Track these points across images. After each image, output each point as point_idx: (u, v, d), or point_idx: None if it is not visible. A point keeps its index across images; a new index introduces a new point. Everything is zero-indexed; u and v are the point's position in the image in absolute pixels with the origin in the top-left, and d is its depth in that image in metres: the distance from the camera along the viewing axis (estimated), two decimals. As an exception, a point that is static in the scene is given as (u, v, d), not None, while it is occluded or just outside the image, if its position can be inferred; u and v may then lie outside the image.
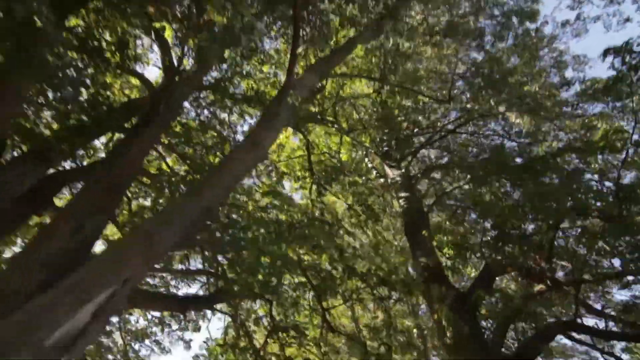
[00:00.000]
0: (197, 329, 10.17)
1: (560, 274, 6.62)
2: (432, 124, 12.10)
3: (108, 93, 6.48)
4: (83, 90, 5.99)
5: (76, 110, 5.68)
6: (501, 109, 5.99)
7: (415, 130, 11.63)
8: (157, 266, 6.41)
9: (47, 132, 5.87)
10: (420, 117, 11.93)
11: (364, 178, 10.78)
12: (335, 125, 10.18)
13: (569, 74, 10.48)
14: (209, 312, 10.28)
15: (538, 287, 5.60)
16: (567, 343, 12.74)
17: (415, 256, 7.98)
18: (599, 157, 5.45)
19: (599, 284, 5.98)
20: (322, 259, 7.55)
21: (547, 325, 5.55)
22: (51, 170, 6.15)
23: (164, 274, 7.49)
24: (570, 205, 5.59)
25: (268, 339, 6.98)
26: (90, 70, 5.73)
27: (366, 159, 12.88)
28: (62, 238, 3.84)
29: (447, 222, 8.22)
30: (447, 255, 7.39)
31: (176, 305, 6.70)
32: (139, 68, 7.48)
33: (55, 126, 5.96)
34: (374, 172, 12.28)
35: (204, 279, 8.80)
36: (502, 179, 5.62)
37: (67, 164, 6.37)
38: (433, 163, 12.14)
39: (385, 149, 12.62)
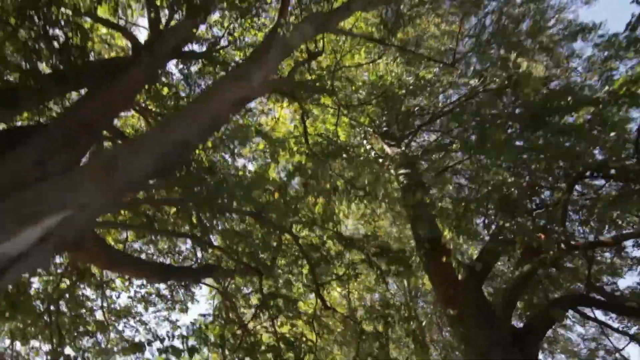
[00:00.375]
0: (184, 309, 9.69)
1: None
2: (433, 104, 11.71)
3: (89, 43, 6.02)
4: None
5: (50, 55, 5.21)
6: (512, 56, 5.57)
7: (416, 109, 11.22)
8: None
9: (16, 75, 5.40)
10: (421, 95, 11.54)
11: (361, 157, 10.34)
12: (334, 98, 9.72)
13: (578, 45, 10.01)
14: (197, 293, 9.80)
15: (549, 254, 5.14)
16: (570, 337, 12.31)
17: (415, 230, 7.53)
18: (617, 111, 4.99)
19: (615, 245, 5.52)
20: (316, 232, 7.11)
21: (559, 298, 5.10)
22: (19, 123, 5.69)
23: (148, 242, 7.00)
24: (585, 164, 5.14)
25: (257, 312, 6.50)
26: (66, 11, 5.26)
27: (365, 141, 12.47)
28: (21, 168, 3.38)
29: (448, 199, 7.77)
30: (449, 229, 6.93)
31: (158, 272, 6.20)
32: (122, 22, 7.04)
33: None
34: (373, 152, 11.86)
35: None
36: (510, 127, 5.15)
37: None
38: (433, 144, 11.72)
39: (385, 128, 12.22)
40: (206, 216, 6.02)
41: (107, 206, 3.09)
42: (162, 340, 4.96)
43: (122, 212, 7.46)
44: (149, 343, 4.97)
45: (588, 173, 5.31)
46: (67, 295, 6.91)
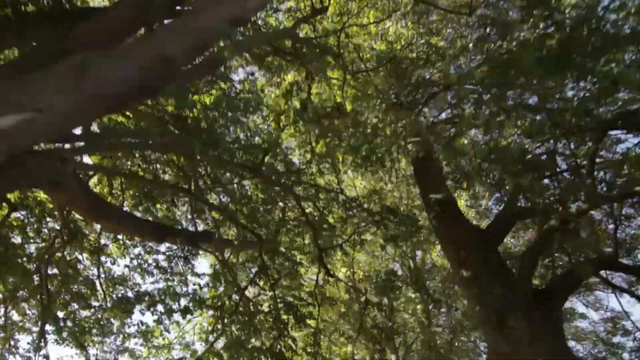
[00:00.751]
0: (183, 281, 9.40)
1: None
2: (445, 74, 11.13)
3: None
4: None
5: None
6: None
7: (427, 77, 10.68)
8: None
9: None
10: (432, 66, 10.97)
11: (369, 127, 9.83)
12: (340, 61, 9.19)
13: None
14: (197, 266, 9.49)
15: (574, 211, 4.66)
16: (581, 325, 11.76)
17: (425, 195, 7.08)
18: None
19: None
20: (321, 196, 6.69)
21: (584, 261, 4.65)
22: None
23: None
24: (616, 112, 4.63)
25: (257, 276, 6.13)
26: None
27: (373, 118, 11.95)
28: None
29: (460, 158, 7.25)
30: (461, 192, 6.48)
31: (152, 231, 5.84)
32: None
33: None
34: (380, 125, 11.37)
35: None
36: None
37: None
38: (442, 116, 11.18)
39: (394, 100, 11.72)
40: (203, 172, 5.63)
41: (76, 115, 2.70)
42: (151, 297, 4.63)
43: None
44: (138, 299, 4.65)
45: (620, 122, 4.80)
46: (58, 256, 6.60)
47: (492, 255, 5.24)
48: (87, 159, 5.96)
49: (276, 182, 5.77)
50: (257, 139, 6.31)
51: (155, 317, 5.88)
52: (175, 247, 9.37)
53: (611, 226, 5.36)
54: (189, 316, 8.46)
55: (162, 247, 9.39)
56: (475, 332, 11.43)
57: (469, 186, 6.66)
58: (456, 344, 10.91)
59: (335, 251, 7.93)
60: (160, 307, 5.55)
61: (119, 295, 8.44)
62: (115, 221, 5.20)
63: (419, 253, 9.82)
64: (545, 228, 4.65)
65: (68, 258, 7.08)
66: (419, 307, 15.46)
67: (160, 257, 9.12)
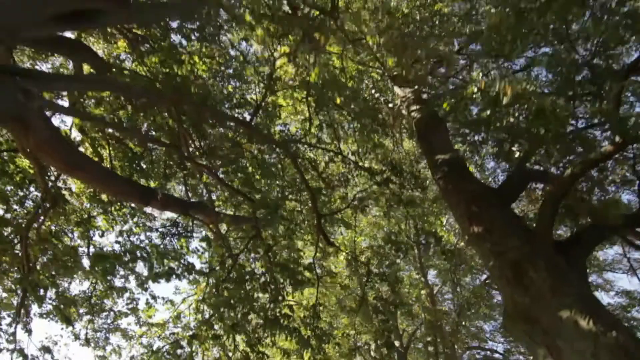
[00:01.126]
0: (177, 257, 8.99)
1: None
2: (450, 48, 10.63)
3: None
4: None
5: None
6: None
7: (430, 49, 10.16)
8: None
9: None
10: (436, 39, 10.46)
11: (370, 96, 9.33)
12: (337, 24, 8.69)
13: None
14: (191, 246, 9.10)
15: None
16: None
17: (431, 158, 6.62)
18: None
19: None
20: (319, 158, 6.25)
21: (613, 201, 4.19)
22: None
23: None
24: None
25: (250, 243, 5.70)
26: None
27: (373, 90, 11.48)
28: None
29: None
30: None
31: (137, 192, 5.43)
32: None
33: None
34: (382, 99, 10.91)
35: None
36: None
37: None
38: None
39: (395, 72, 11.25)
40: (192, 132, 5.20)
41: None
42: (132, 253, 4.22)
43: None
44: (118, 257, 4.24)
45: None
46: (41, 226, 6.21)
47: (506, 210, 4.79)
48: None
49: (270, 139, 5.33)
50: (249, 97, 5.88)
51: (139, 282, 5.48)
52: (168, 224, 8.97)
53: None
54: (184, 295, 8.08)
55: (157, 223, 8.99)
56: (480, 312, 11.05)
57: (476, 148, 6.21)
58: (463, 322, 10.49)
59: (336, 221, 7.50)
60: (144, 270, 5.15)
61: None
62: (95, 177, 4.78)
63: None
64: (566, 174, 4.18)
65: (53, 228, 6.70)
66: (423, 292, 15.08)
67: (154, 234, 8.73)
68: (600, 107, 3.80)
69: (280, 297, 5.17)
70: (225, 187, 5.83)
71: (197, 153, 6.52)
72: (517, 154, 5.73)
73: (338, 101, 8.98)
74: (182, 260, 5.16)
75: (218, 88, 6.14)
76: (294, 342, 4.99)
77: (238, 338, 6.19)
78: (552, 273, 3.59)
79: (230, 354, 5.92)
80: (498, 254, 4.15)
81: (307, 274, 5.61)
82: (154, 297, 6.88)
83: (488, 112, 4.81)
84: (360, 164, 5.97)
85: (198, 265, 6.84)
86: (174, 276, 4.84)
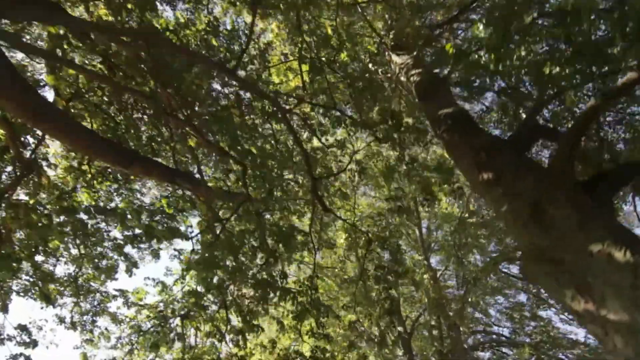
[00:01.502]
0: (167, 237, 8.55)
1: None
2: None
3: None
4: None
5: None
6: None
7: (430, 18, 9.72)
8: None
9: None
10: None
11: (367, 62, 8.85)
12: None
13: None
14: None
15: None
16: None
17: (433, 115, 6.18)
18: None
19: None
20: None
21: None
22: None
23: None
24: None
25: (241, 206, 5.26)
26: None
27: (368, 62, 11.01)
28: None
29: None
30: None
31: (114, 151, 4.96)
32: None
33: None
34: (379, 70, 10.44)
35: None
36: None
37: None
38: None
39: (392, 43, 10.79)
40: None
41: None
42: (104, 211, 3.78)
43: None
44: (89, 211, 3.81)
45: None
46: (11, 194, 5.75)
47: (518, 156, 4.35)
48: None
49: (257, 89, 4.88)
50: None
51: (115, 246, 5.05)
52: (159, 201, 8.51)
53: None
54: (176, 276, 7.63)
55: (147, 198, 8.54)
56: (488, 286, 10.63)
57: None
58: (469, 298, 10.08)
59: (334, 194, 7.07)
60: (118, 234, 4.73)
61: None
62: (64, 130, 4.33)
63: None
64: (588, 106, 3.74)
65: (30, 200, 6.25)
66: (425, 276, 14.67)
67: (143, 216, 8.29)
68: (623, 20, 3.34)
69: (272, 260, 4.75)
70: (211, 148, 5.39)
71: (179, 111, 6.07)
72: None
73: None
74: (163, 221, 4.72)
75: (201, 44, 5.70)
76: (290, 308, 4.56)
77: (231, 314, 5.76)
78: (577, 208, 3.16)
79: (223, 329, 5.50)
80: (513, 196, 3.72)
81: (300, 238, 5.18)
82: (134, 264, 6.41)
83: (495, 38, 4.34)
84: (358, 121, 5.53)
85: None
86: (154, 240, 4.40)
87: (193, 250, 5.06)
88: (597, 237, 2.87)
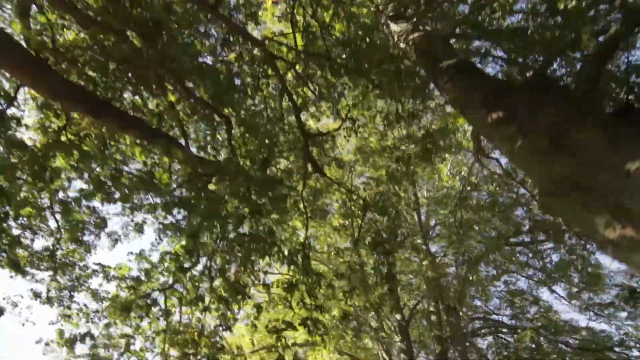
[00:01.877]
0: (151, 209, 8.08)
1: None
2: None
3: None
4: None
5: None
6: None
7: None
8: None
9: None
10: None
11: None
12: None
13: None
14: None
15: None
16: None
17: (434, 65, 5.73)
18: None
19: None
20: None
21: None
22: None
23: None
24: None
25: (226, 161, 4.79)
26: None
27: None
28: None
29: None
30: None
31: (85, 99, 4.49)
32: None
33: None
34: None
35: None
36: None
37: None
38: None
39: (392, 13, 10.34)
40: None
41: None
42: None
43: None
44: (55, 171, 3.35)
45: None
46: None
47: (533, 93, 3.91)
48: None
49: (243, 30, 4.41)
50: None
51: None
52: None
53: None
54: (157, 246, 7.16)
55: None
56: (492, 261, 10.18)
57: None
58: (470, 277, 9.67)
59: (328, 161, 6.62)
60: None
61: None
62: (31, 72, 3.87)
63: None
64: (612, 30, 3.30)
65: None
66: (424, 263, 14.27)
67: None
68: None
69: (258, 215, 4.30)
70: (192, 99, 4.90)
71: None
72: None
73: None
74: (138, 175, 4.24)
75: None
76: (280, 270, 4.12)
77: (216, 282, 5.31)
78: (606, 129, 2.73)
79: (206, 298, 5.05)
80: (529, 131, 3.28)
81: (284, 190, 4.68)
82: (116, 240, 5.97)
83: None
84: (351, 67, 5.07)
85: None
86: (125, 190, 3.93)
87: (167, 204, 4.56)
88: (633, 155, 2.44)
